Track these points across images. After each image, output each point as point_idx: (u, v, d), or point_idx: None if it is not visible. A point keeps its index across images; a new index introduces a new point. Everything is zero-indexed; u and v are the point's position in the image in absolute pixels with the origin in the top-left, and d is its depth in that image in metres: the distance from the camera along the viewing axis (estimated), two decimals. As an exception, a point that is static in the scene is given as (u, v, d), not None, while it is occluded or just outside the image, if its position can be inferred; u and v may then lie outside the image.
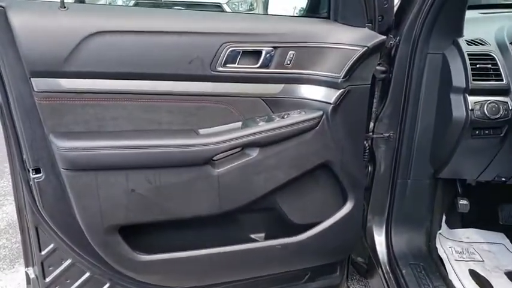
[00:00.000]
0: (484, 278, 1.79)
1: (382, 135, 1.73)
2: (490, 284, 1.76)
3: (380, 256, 1.78)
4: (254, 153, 1.41)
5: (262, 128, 1.39)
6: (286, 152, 1.44)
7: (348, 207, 1.60)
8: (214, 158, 1.39)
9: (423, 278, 1.65)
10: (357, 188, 1.60)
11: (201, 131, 1.40)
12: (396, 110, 1.72)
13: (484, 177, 1.73)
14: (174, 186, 1.36)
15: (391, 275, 1.71)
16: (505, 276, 1.81)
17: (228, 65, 1.38)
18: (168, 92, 1.36)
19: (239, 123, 1.44)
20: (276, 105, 1.46)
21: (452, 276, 1.73)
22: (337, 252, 1.71)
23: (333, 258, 1.73)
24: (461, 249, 1.92)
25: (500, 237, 2.02)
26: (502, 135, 1.54)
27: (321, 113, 1.44)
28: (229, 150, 1.38)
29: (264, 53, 1.41)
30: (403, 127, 1.70)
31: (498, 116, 1.49)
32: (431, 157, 1.71)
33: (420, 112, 1.67)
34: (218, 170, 1.39)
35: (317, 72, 1.43)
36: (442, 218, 1.90)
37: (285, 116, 1.44)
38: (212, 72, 1.37)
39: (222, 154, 1.39)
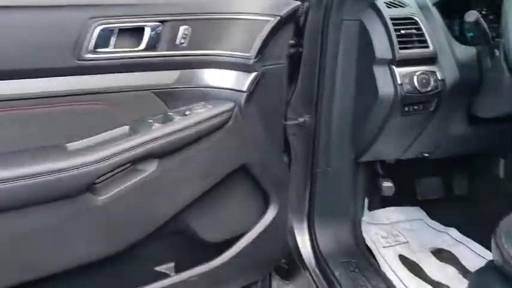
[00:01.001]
0: (413, 261, 1.66)
1: (296, 121, 1.46)
2: (420, 268, 1.64)
3: (306, 258, 1.54)
4: (150, 167, 1.04)
5: (157, 132, 1.03)
6: (192, 159, 1.10)
7: (271, 213, 1.33)
8: (96, 181, 1.00)
9: (359, 278, 1.46)
10: (280, 188, 1.33)
11: (72, 146, 1.00)
12: (310, 91, 1.46)
13: (408, 155, 1.57)
14: (42, 230, 0.95)
15: (321, 278, 1.49)
16: (432, 256, 1.70)
17: (99, 50, 0.99)
18: (20, 95, 0.94)
19: (125, 128, 1.06)
20: (172, 99, 1.11)
21: (384, 267, 1.56)
22: (265, 265, 1.44)
23: (261, 273, 1.46)
24: (386, 234, 1.77)
25: (418, 212, 1.92)
26: (432, 109, 1.37)
27: (231, 104, 1.12)
28: (116, 168, 1.00)
29: (148, 30, 1.04)
30: (319, 110, 1.45)
31: (429, 88, 1.31)
32: (353, 141, 1.49)
33: (338, 91, 1.43)
34: (102, 198, 1.00)
35: (222, 52, 1.11)
36: (364, 204, 1.72)
37: (187, 113, 1.09)
38: (78, 61, 0.97)
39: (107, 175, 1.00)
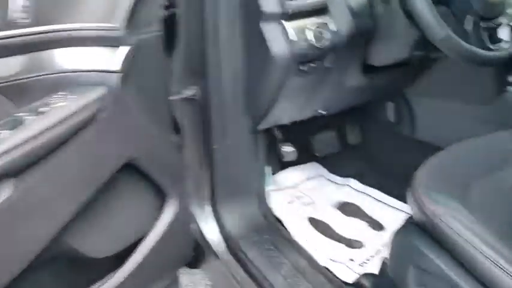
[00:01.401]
0: (322, 222, 1.60)
1: (183, 95, 1.26)
2: (330, 227, 1.58)
3: (214, 244, 1.40)
4: (4, 191, 0.78)
5: (6, 143, 0.77)
6: (61, 168, 0.85)
7: (170, 207, 1.14)
8: None
9: (275, 255, 1.35)
10: (176, 177, 1.14)
11: None
12: (193, 58, 1.26)
13: (305, 115, 1.47)
14: None
15: (235, 263, 1.36)
16: (339, 211, 1.66)
17: None
18: None
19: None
20: (19, 94, 0.84)
21: (297, 237, 1.47)
22: (174, 265, 1.27)
23: (171, 275, 1.28)
24: (290, 198, 1.68)
25: (317, 169, 1.86)
26: (328, 65, 1.25)
27: (103, 90, 0.88)
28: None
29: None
30: (207, 78, 1.26)
31: (324, 42, 1.18)
32: (249, 108, 1.34)
33: (225, 55, 1.25)
34: None
35: (80, 26, 0.85)
36: (267, 174, 1.60)
37: (42, 110, 0.83)
38: None
39: None
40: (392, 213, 1.64)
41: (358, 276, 1.33)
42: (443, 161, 1.11)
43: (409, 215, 1.09)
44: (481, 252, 0.89)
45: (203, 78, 1.26)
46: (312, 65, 1.22)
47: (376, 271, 1.29)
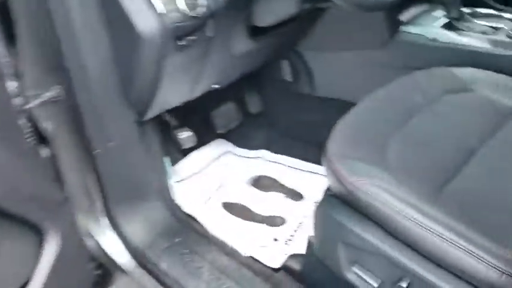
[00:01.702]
0: (238, 204, 1.48)
1: (42, 99, 1.03)
2: (247, 208, 1.46)
3: (119, 260, 1.21)
4: None
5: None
6: None
7: (52, 241, 0.93)
8: None
9: (191, 260, 1.20)
10: (51, 204, 0.93)
11: None
12: (46, 53, 1.03)
13: (197, 92, 1.30)
14: None
15: (148, 277, 1.19)
16: (254, 188, 1.54)
17: None
18: None
19: None
20: None
21: (214, 230, 1.33)
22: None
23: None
24: (199, 186, 1.53)
25: (223, 145, 1.71)
26: (211, 34, 1.08)
27: None
28: None
29: None
30: (68, 74, 1.04)
31: (199, 10, 1.00)
32: (128, 99, 1.14)
33: (84, 41, 1.02)
34: None
35: None
36: (167, 166, 1.42)
37: None
38: None
39: None
40: (309, 178, 1.55)
41: (286, 258, 1.23)
42: (354, 123, 1.01)
43: (328, 187, 0.99)
44: (410, 219, 0.81)
45: (64, 74, 1.04)
46: (191, 37, 1.04)
47: (302, 248, 1.20)
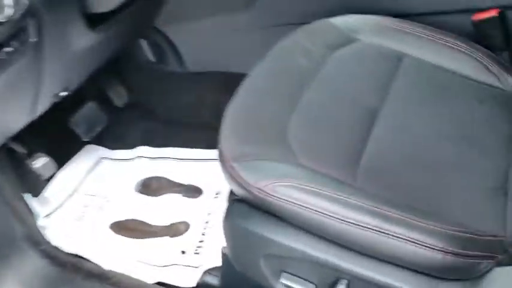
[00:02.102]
0: (131, 220, 1.27)
1: None
2: (142, 223, 1.26)
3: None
4: None
5: None
6: None
7: None
8: None
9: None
10: None
11: None
12: None
13: (43, 107, 1.04)
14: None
15: None
16: (143, 195, 1.34)
17: None
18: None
19: None
20: None
21: (108, 265, 1.12)
22: None
23: None
24: (77, 212, 1.27)
25: (92, 152, 1.45)
26: (35, 39, 0.82)
27: None
28: None
29: None
30: None
31: (7, 12, 0.73)
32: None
33: None
34: None
35: None
36: (29, 201, 1.15)
37: None
38: None
39: None
40: (204, 167, 1.37)
41: (201, 273, 1.07)
42: (244, 109, 0.85)
43: (230, 191, 0.84)
44: (331, 215, 0.69)
45: None
46: (9, 49, 0.78)
47: (217, 254, 1.05)
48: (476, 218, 0.72)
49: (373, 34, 1.02)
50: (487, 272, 0.65)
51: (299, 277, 0.79)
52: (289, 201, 0.70)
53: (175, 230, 1.22)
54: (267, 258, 0.80)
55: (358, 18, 1.05)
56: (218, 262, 1.03)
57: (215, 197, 1.29)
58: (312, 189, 0.70)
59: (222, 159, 0.78)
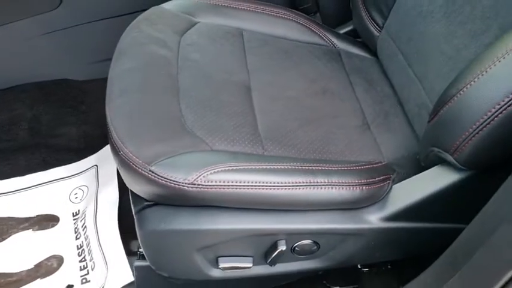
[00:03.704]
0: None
1: None
2: (3, 274, 1.07)
3: None
4: None
5: None
6: None
7: None
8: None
9: None
10: None
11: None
12: None
13: None
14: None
15: None
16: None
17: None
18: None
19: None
20: None
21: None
22: None
23: None
24: None
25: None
26: None
27: None
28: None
29: None
30: None
31: None
32: None
33: None
34: None
35: None
36: None
37: None
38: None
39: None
40: (43, 192, 1.22)
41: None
42: (132, 111, 0.80)
43: (135, 200, 0.79)
44: (264, 186, 0.73)
45: None
46: None
47: (108, 274, 0.98)
48: (361, 152, 0.86)
49: (209, 14, 1.05)
50: (389, 191, 0.80)
51: (235, 256, 0.81)
52: (225, 186, 0.71)
53: (45, 268, 1.08)
54: (201, 251, 0.79)
55: (188, 0, 1.07)
56: (117, 280, 0.97)
57: (75, 218, 1.17)
58: (240, 167, 0.73)
59: (133, 167, 0.72)
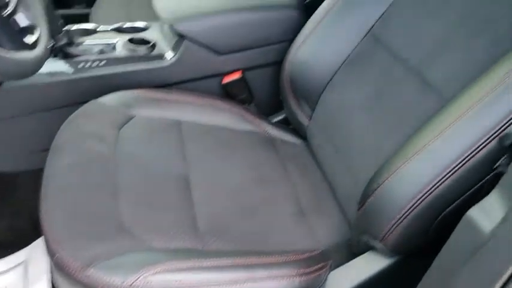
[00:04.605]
0: None
1: None
2: None
3: None
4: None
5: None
6: None
7: None
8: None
9: None
10: None
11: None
12: None
13: None
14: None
15: None
16: None
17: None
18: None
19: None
20: None
21: None
22: None
23: None
24: None
25: None
26: None
27: None
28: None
29: None
30: None
31: None
32: None
33: None
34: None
35: None
36: None
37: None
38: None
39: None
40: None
41: None
42: (68, 211, 0.79)
43: None
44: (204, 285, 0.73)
45: None
46: None
47: None
48: (299, 241, 0.89)
49: (147, 107, 1.09)
50: (326, 279, 0.82)
51: None
52: (165, 287, 0.71)
53: None
54: None
55: (125, 94, 1.10)
56: None
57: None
58: (179, 267, 0.73)
59: (68, 271, 0.71)
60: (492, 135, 0.64)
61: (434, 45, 0.89)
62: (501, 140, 0.61)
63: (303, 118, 1.13)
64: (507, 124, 0.63)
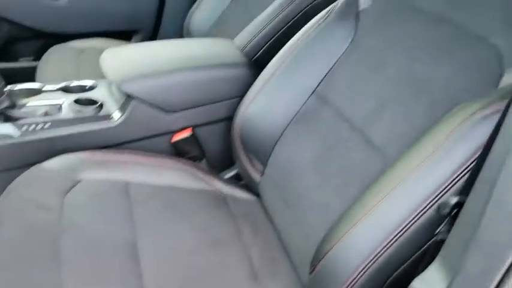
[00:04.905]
0: None
1: None
2: None
3: None
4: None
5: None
6: None
7: None
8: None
9: None
10: None
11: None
12: None
13: None
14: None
15: None
16: None
17: None
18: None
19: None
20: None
21: None
22: None
23: None
24: None
25: None
26: None
27: None
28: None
29: None
30: None
31: None
32: None
33: None
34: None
35: None
36: None
37: None
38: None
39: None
40: None
41: None
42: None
43: None
44: None
45: None
46: None
47: None
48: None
49: (93, 170, 1.06)
50: None
51: None
52: None
53: None
54: None
55: (71, 157, 1.07)
56: None
57: None
58: None
59: None
60: (430, 202, 0.65)
61: (376, 104, 0.91)
62: (439, 208, 0.63)
63: (254, 174, 1.13)
64: (444, 191, 0.65)
